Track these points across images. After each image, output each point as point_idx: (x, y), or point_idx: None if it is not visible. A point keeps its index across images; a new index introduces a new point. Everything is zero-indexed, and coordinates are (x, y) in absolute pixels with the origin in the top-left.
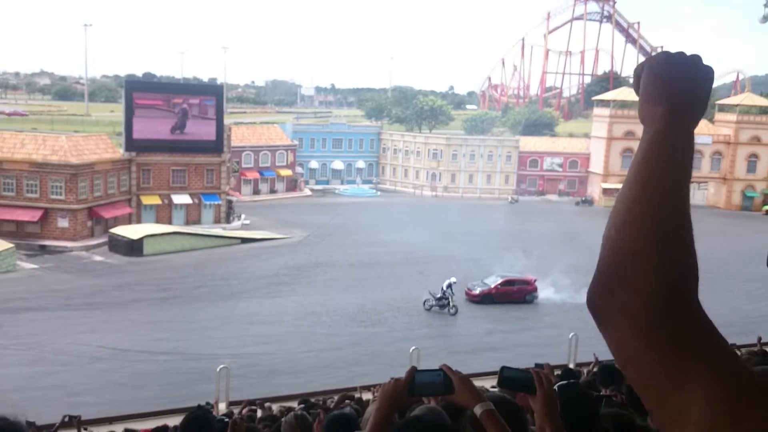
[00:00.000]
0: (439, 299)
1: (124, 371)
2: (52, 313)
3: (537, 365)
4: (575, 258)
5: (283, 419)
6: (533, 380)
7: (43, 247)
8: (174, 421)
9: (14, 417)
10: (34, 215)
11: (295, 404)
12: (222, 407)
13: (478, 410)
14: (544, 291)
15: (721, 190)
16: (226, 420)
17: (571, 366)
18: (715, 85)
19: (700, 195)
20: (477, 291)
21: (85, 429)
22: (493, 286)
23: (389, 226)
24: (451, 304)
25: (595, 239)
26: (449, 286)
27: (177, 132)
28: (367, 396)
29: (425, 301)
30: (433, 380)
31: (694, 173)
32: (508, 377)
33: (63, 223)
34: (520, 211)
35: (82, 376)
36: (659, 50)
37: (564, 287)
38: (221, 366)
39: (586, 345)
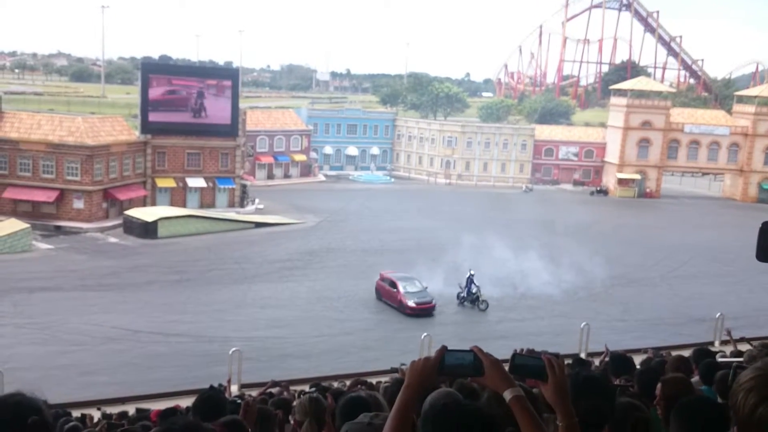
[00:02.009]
0: (469, 294)
1: (137, 352)
2: (67, 294)
3: (547, 353)
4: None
5: (295, 402)
6: (545, 367)
7: (58, 227)
8: (186, 402)
9: (31, 393)
10: (50, 196)
11: (306, 388)
12: (234, 389)
13: (507, 395)
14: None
15: (737, 182)
16: (239, 402)
17: (583, 356)
18: (734, 75)
19: (716, 187)
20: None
21: (99, 409)
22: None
23: (402, 213)
24: (480, 299)
25: (604, 229)
26: (471, 279)
27: (192, 114)
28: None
29: (458, 294)
30: (463, 361)
31: (711, 165)
32: (519, 364)
33: (78, 204)
34: (533, 200)
35: (95, 356)
36: (678, 39)
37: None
38: (233, 349)
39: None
